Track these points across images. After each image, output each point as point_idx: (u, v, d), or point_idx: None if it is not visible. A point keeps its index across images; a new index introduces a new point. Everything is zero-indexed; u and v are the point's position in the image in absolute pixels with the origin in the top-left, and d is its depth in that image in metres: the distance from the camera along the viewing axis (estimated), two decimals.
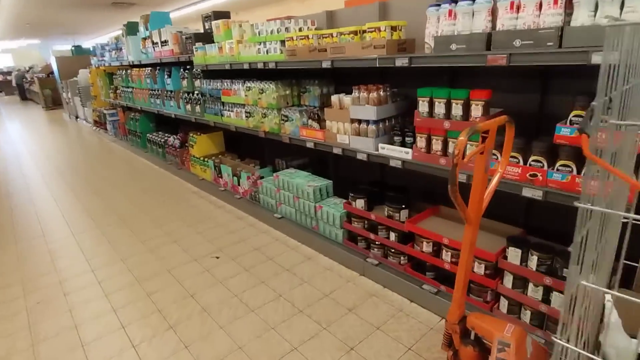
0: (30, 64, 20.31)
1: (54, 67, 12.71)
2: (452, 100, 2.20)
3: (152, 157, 6.47)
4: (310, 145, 3.25)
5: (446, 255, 2.43)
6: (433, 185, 3.11)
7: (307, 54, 2.99)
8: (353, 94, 2.79)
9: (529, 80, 2.41)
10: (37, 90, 16.24)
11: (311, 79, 3.58)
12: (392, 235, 2.75)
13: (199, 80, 4.75)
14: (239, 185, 4.37)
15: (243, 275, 2.99)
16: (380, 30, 2.47)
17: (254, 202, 4.13)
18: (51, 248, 3.61)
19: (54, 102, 15.74)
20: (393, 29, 2.48)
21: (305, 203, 3.39)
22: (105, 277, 3.06)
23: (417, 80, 3.08)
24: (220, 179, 4.69)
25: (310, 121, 3.30)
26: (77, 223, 4.16)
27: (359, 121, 2.82)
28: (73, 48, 12.76)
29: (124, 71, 7.05)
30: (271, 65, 3.36)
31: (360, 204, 2.94)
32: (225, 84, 4.22)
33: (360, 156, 2.83)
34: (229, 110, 4.27)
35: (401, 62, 2.35)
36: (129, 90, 7.01)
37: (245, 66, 3.67)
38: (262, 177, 4.30)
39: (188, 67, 4.93)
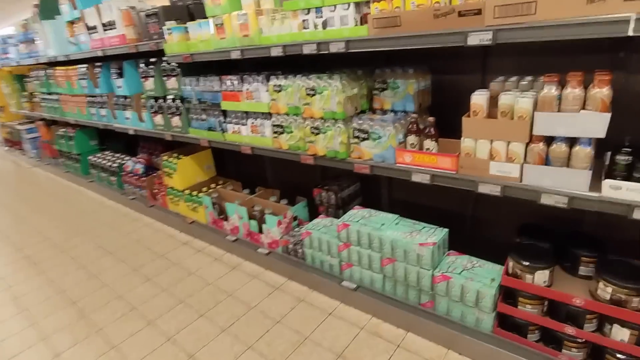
0: None
1: None
2: None
3: (102, 189, 4.69)
4: (421, 179, 1.94)
5: None
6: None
7: (430, 22, 1.66)
8: (546, 89, 1.52)
9: None
10: None
11: (390, 66, 2.24)
12: (622, 332, 1.58)
13: (174, 79, 3.16)
14: (260, 232, 2.93)
15: None
16: None
17: (292, 258, 2.74)
18: None
19: None
20: None
21: (411, 270, 2.10)
22: None
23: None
24: (225, 223, 3.20)
25: (413, 138, 1.98)
26: (7, 338, 2.48)
27: (548, 140, 1.58)
28: None
29: (43, 71, 5.07)
30: (335, 49, 1.97)
31: (542, 277, 1.72)
32: (229, 83, 2.72)
33: (549, 200, 1.60)
34: (237, 123, 2.78)
35: None
36: (53, 97, 5.06)
37: (276, 52, 2.23)
38: (295, 219, 2.91)
39: (153, 60, 3.30)
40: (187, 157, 3.54)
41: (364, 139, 2.10)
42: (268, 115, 2.56)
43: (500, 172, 1.71)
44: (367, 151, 2.11)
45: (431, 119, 1.90)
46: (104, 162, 4.60)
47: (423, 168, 1.93)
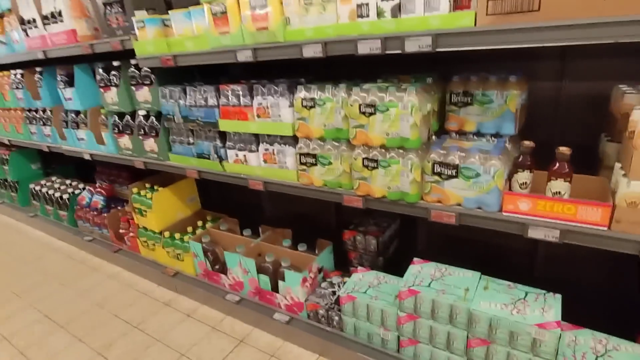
0: None
1: None
2: None
3: (48, 226, 3.71)
4: (544, 235, 1.34)
5: None
6: None
7: (590, 5, 1.06)
8: None
9: None
10: None
11: (475, 72, 1.63)
12: None
13: (146, 89, 2.37)
14: (275, 292, 2.22)
15: None
16: None
17: (324, 328, 2.06)
18: None
19: None
20: None
21: (519, 357, 1.49)
22: None
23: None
24: (223, 276, 2.45)
25: (526, 176, 1.38)
26: None
27: None
28: None
29: None
30: (414, 48, 1.33)
31: None
32: (232, 95, 1.98)
33: None
34: (243, 149, 2.06)
35: None
36: None
37: (311, 52, 1.55)
38: (320, 270, 2.23)
39: (116, 63, 2.49)
40: (164, 189, 2.74)
41: (449, 177, 1.47)
42: (292, 140, 1.87)
43: None
44: (455, 193, 1.48)
45: (564, 149, 1.30)
46: (50, 191, 3.64)
47: (548, 220, 1.33)
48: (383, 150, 1.57)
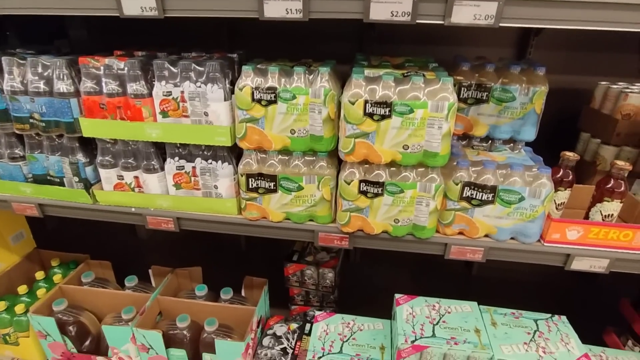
0: None
1: None
2: None
3: None
4: (590, 266, 1.10)
5: None
6: None
7: None
8: None
9: None
10: None
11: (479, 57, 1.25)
12: None
13: None
14: None
15: None
16: None
17: None
18: None
19: None
20: None
21: None
22: None
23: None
24: (100, 359, 1.57)
25: (565, 194, 1.10)
26: None
27: None
28: None
29: None
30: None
31: None
32: (108, 75, 1.13)
33: None
34: (130, 168, 1.23)
35: None
36: None
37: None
38: (259, 322, 1.65)
39: None
40: None
41: (483, 203, 1.08)
42: (227, 153, 1.18)
43: None
44: (486, 223, 1.11)
45: (623, 164, 1.05)
46: None
47: (597, 249, 1.09)
48: (391, 168, 1.07)
